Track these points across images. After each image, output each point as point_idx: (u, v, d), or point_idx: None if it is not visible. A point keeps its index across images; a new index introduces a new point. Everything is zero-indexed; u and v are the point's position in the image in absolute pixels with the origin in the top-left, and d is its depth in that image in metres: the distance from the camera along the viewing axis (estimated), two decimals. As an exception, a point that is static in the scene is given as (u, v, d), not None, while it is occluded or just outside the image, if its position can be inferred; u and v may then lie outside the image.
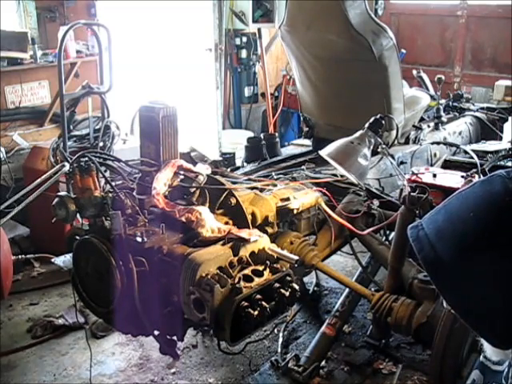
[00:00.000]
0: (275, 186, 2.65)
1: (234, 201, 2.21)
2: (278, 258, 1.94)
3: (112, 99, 4.34)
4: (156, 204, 2.05)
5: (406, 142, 3.72)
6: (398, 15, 7.01)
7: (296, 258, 1.92)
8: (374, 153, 2.89)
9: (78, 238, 2.07)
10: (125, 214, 1.99)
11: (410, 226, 1.00)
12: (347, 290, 2.99)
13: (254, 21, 5.96)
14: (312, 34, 3.37)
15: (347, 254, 2.95)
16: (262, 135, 4.06)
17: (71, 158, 2.64)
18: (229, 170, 3.23)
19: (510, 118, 4.14)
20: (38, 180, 3.34)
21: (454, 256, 0.92)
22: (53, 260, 2.68)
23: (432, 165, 3.52)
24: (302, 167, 3.20)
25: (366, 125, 2.76)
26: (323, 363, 2.92)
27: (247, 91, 6.57)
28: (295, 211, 2.51)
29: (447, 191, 2.67)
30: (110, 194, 2.03)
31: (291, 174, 3.01)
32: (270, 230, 2.37)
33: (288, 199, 2.47)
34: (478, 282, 0.91)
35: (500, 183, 0.91)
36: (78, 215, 2.06)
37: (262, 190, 2.55)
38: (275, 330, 3.19)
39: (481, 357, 1.25)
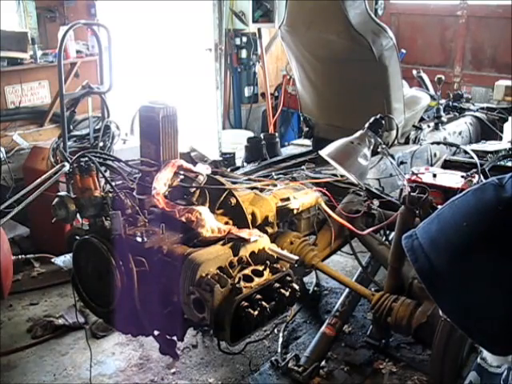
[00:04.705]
0: (275, 185, 2.65)
1: (233, 201, 2.21)
2: (278, 257, 1.93)
3: (112, 99, 4.34)
4: (156, 204, 2.05)
5: (406, 142, 3.72)
6: (397, 15, 7.01)
7: (296, 258, 1.92)
8: (374, 153, 2.89)
9: (78, 237, 2.06)
10: (125, 214, 1.99)
11: (404, 235, 1.00)
12: (347, 290, 2.99)
13: (254, 21, 5.95)
14: (312, 33, 3.37)
15: (347, 253, 2.95)
16: (262, 135, 4.06)
17: (71, 158, 2.64)
18: (229, 170, 3.23)
19: (510, 117, 4.14)
20: (38, 180, 3.34)
21: (449, 266, 0.92)
22: (53, 260, 2.68)
23: (432, 165, 3.51)
24: (302, 167, 3.20)
25: (366, 125, 2.77)
26: (323, 363, 2.92)
27: (247, 91, 6.56)
28: (295, 211, 2.51)
29: (447, 191, 2.67)
30: (110, 194, 2.03)
31: (291, 174, 3.01)
32: (270, 230, 2.36)
33: (288, 199, 2.47)
34: (473, 291, 0.90)
35: (492, 191, 0.90)
36: (78, 215, 2.06)
37: (262, 190, 2.55)
38: (275, 330, 3.19)
39: (478, 358, 1.24)
